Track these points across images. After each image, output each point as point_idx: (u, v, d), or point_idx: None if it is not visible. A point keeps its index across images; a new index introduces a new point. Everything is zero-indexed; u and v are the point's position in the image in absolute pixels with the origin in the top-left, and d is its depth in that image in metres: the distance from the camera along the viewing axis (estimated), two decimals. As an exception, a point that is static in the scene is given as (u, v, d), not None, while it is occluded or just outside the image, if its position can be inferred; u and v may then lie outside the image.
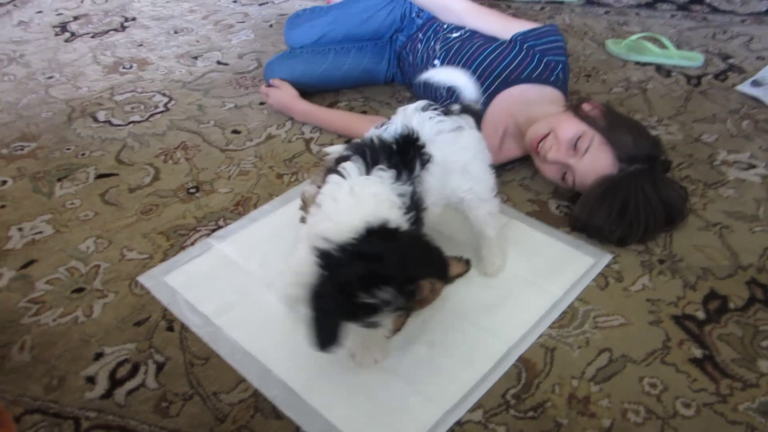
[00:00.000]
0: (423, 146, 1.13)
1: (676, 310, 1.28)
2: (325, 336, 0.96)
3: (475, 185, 1.24)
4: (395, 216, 1.01)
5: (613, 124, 1.46)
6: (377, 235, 0.96)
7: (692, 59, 2.18)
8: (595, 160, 1.44)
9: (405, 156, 1.10)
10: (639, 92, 2.03)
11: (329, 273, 0.94)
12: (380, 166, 1.06)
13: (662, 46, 2.22)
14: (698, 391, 1.12)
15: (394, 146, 1.11)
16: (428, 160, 1.12)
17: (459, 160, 1.19)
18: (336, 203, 1.02)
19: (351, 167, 1.06)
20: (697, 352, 1.19)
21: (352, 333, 1.02)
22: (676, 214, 1.45)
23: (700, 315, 1.27)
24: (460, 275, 1.33)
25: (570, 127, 1.47)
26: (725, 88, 2.05)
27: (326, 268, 0.95)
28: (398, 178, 1.06)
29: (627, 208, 1.38)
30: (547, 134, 1.51)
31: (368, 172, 1.05)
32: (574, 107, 1.52)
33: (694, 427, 1.06)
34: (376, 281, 0.92)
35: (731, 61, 2.21)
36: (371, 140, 1.12)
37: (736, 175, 1.65)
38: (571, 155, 1.47)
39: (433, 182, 1.13)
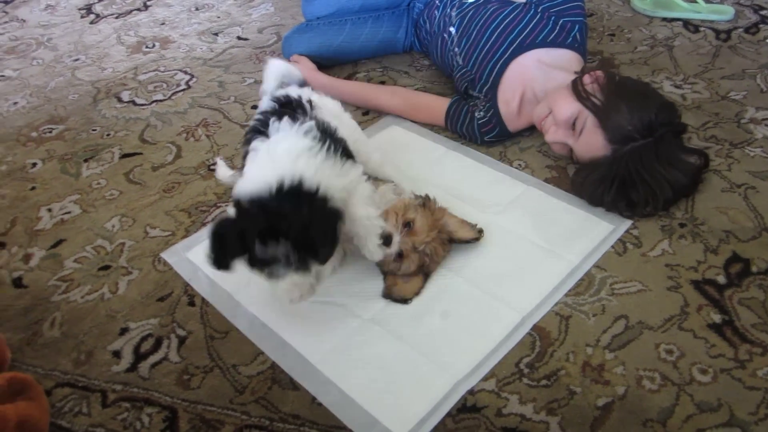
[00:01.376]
0: (302, 97, 1.26)
1: (696, 275, 1.26)
2: (220, 260, 1.04)
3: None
4: (312, 169, 1.05)
5: (610, 100, 1.38)
6: (289, 194, 1.02)
7: (722, 12, 2.10)
8: (589, 142, 1.40)
9: (293, 106, 1.22)
10: (665, 50, 1.98)
11: (234, 219, 1.04)
12: (282, 122, 1.14)
13: (691, 0, 2.15)
14: (716, 357, 1.11)
15: (278, 105, 1.23)
16: (313, 104, 1.24)
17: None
18: (256, 164, 1.10)
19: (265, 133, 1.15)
20: (716, 318, 1.18)
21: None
22: (687, 184, 1.40)
23: (721, 279, 1.25)
24: (468, 241, 1.33)
25: (565, 107, 1.43)
26: (756, 41, 1.97)
27: (236, 214, 1.04)
28: (296, 120, 1.14)
29: (631, 185, 1.34)
30: (549, 114, 1.48)
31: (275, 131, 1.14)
32: (574, 82, 1.47)
33: (710, 394, 1.05)
34: (272, 236, 1.00)
35: (764, 12, 2.12)
36: (260, 115, 1.22)
37: (765, 132, 1.60)
38: (569, 135, 1.44)
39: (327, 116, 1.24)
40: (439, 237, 1.27)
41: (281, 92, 1.30)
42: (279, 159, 1.07)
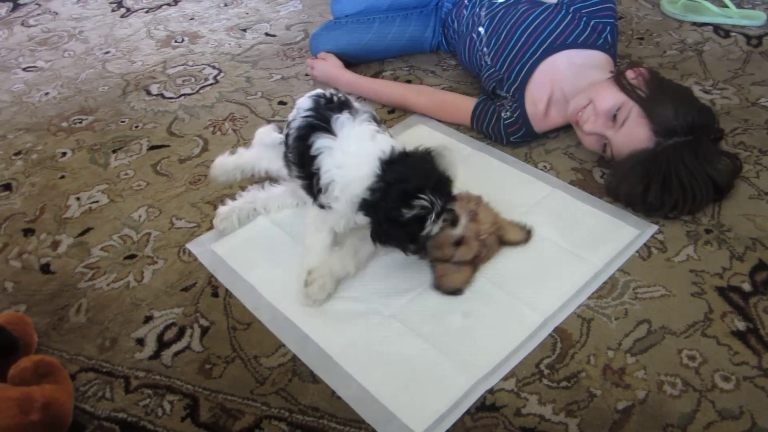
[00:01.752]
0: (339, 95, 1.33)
1: (721, 282, 1.25)
2: (415, 243, 1.17)
3: None
4: (389, 141, 1.21)
5: (655, 94, 1.40)
6: (391, 162, 1.16)
7: (754, 18, 2.08)
8: (632, 133, 1.40)
9: (337, 104, 1.29)
10: (694, 54, 1.96)
11: (375, 215, 1.15)
12: (342, 117, 1.24)
13: (722, 4, 2.12)
14: (739, 364, 1.10)
15: (323, 102, 1.30)
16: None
17: None
18: (343, 166, 1.19)
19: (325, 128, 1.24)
20: (741, 325, 1.16)
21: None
22: (723, 186, 1.39)
23: (746, 287, 1.23)
24: (518, 243, 1.34)
25: (608, 97, 1.43)
26: (789, 48, 1.95)
27: (370, 213, 1.16)
28: (352, 113, 1.25)
29: (669, 182, 1.34)
30: (587, 105, 1.47)
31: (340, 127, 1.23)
32: (617, 76, 1.48)
33: (732, 401, 1.05)
34: (410, 196, 1.11)
35: (797, 19, 2.09)
36: (310, 112, 1.28)
37: (795, 141, 1.58)
38: (609, 126, 1.44)
39: None
40: (496, 233, 1.29)
41: (316, 93, 1.33)
42: (361, 146, 1.19)
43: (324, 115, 1.24)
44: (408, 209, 1.11)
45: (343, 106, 1.27)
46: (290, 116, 1.33)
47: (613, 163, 1.48)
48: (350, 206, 1.19)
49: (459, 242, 1.23)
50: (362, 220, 1.19)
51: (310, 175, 1.24)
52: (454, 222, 1.20)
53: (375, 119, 1.28)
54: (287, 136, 1.32)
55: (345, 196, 1.18)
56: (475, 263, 1.28)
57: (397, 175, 1.13)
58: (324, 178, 1.20)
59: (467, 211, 1.25)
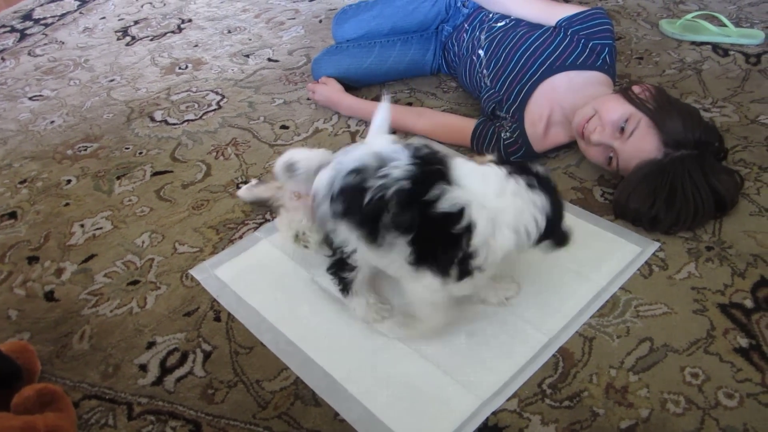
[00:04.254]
0: None
1: (723, 299, 1.24)
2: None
3: None
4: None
5: (663, 107, 1.42)
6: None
7: (752, 36, 2.09)
8: (640, 144, 1.41)
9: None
10: (693, 73, 1.97)
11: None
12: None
13: (720, 24, 2.14)
14: (742, 381, 1.09)
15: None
16: None
17: None
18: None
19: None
20: (743, 342, 1.16)
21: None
22: (726, 201, 1.40)
23: (748, 303, 1.23)
24: None
25: (616, 108, 1.45)
26: (787, 65, 1.96)
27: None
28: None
29: (674, 194, 1.35)
30: (593, 116, 1.48)
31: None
32: (624, 89, 1.49)
33: (736, 418, 1.04)
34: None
35: (795, 37, 2.10)
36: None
37: (795, 157, 1.58)
38: (616, 137, 1.44)
39: None
40: None
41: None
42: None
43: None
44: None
45: None
46: None
47: (619, 180, 1.49)
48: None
49: None
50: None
51: None
52: None
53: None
54: None
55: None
56: None
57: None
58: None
59: None
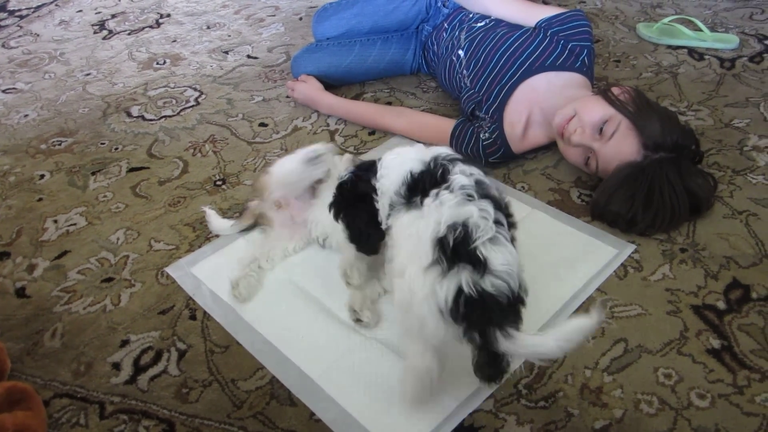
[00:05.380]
0: None
1: (696, 300, 1.26)
2: None
3: None
4: None
5: (643, 110, 1.43)
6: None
7: (727, 41, 2.12)
8: (620, 146, 1.42)
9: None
10: (669, 77, 1.99)
11: None
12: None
13: (696, 28, 2.17)
14: (714, 382, 1.11)
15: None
16: None
17: None
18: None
19: None
20: (715, 343, 1.17)
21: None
22: (702, 203, 1.42)
23: (721, 305, 1.25)
24: None
25: (596, 109, 1.46)
26: (760, 70, 1.99)
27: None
28: None
29: (652, 196, 1.36)
30: (573, 116, 1.50)
31: None
32: (604, 91, 1.51)
33: (708, 419, 1.05)
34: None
35: (768, 42, 2.14)
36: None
37: (767, 160, 1.60)
38: (596, 139, 1.46)
39: None
40: None
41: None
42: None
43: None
44: None
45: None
46: None
47: (596, 182, 1.50)
48: None
49: None
50: None
51: None
52: None
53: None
54: None
55: None
56: None
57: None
58: None
59: None
